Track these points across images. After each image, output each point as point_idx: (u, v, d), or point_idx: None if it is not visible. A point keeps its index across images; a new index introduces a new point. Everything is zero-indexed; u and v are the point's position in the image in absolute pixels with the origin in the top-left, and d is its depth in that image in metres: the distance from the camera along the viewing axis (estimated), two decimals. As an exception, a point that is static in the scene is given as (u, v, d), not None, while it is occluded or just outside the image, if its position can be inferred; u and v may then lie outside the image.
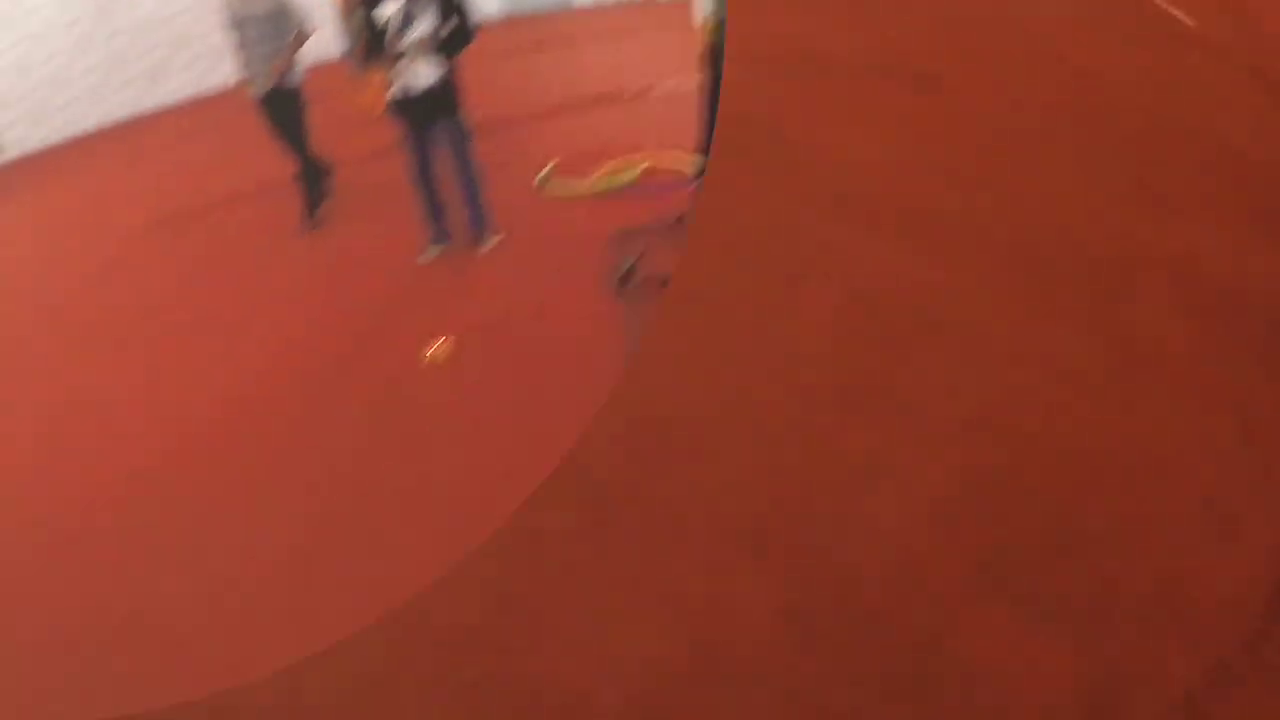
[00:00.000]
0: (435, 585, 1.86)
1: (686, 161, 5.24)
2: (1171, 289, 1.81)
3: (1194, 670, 1.54)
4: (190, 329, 5.02)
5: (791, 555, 1.74)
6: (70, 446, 4.10)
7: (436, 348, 3.93)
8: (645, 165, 5.44)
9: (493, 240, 4.90)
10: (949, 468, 1.70)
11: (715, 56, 4.43)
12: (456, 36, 4.52)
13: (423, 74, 4.50)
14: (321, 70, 6.43)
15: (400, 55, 4.45)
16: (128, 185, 8.53)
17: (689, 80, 5.47)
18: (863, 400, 1.82)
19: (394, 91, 4.54)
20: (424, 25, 4.42)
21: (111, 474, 3.76)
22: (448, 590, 1.86)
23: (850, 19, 2.25)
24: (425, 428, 3.61)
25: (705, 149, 3.62)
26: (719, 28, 4.48)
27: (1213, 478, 1.67)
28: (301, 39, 5.32)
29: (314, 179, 5.76)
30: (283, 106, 5.43)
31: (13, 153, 10.96)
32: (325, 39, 7.27)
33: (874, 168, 2.00)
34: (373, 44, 4.55)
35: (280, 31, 5.26)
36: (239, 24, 5.23)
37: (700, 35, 4.96)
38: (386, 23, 4.42)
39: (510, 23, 10.02)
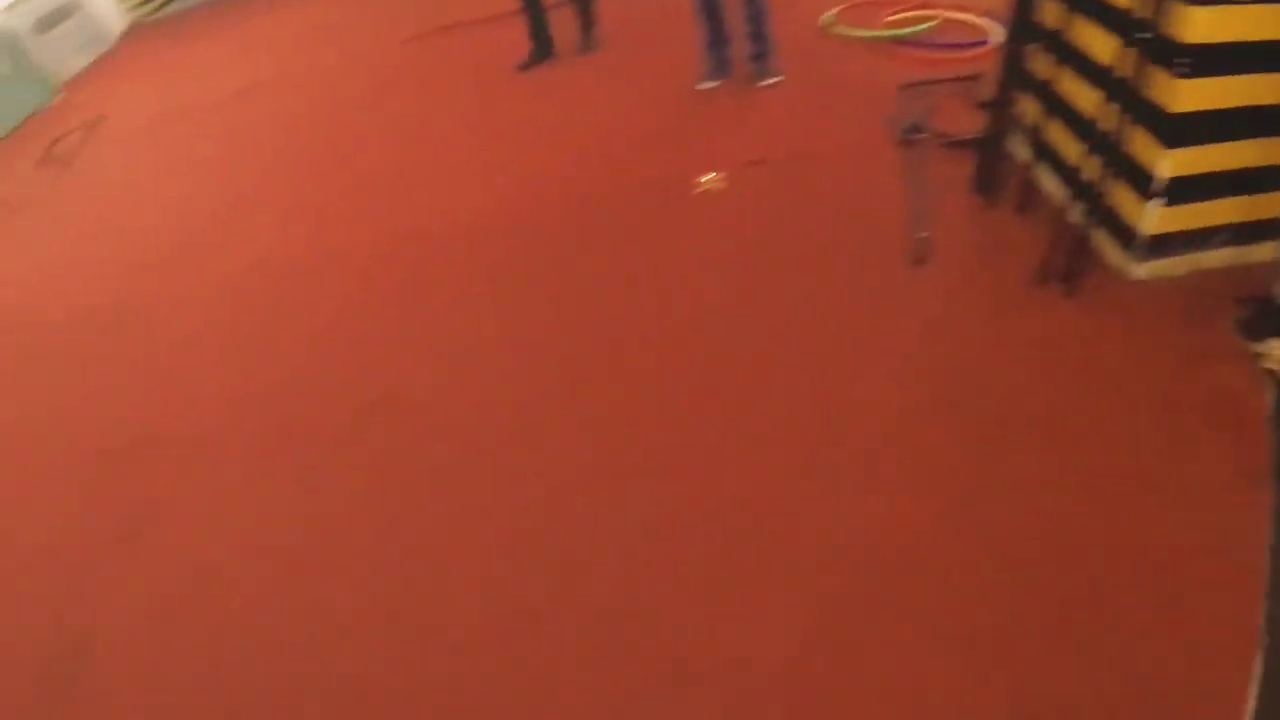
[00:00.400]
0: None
1: (979, 23, 4.99)
2: None
3: None
4: (462, 142, 5.34)
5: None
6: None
7: (711, 179, 4.01)
8: (938, 20, 5.19)
9: (773, 79, 4.85)
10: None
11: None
12: None
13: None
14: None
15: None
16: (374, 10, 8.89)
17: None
18: None
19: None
20: None
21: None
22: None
23: None
24: (691, 251, 3.73)
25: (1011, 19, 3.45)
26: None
27: None
28: None
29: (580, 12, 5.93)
30: None
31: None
32: None
33: None
34: None
35: None
36: None
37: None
38: None
39: None
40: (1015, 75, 3.50)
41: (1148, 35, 2.70)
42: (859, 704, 2.08)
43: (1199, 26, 2.57)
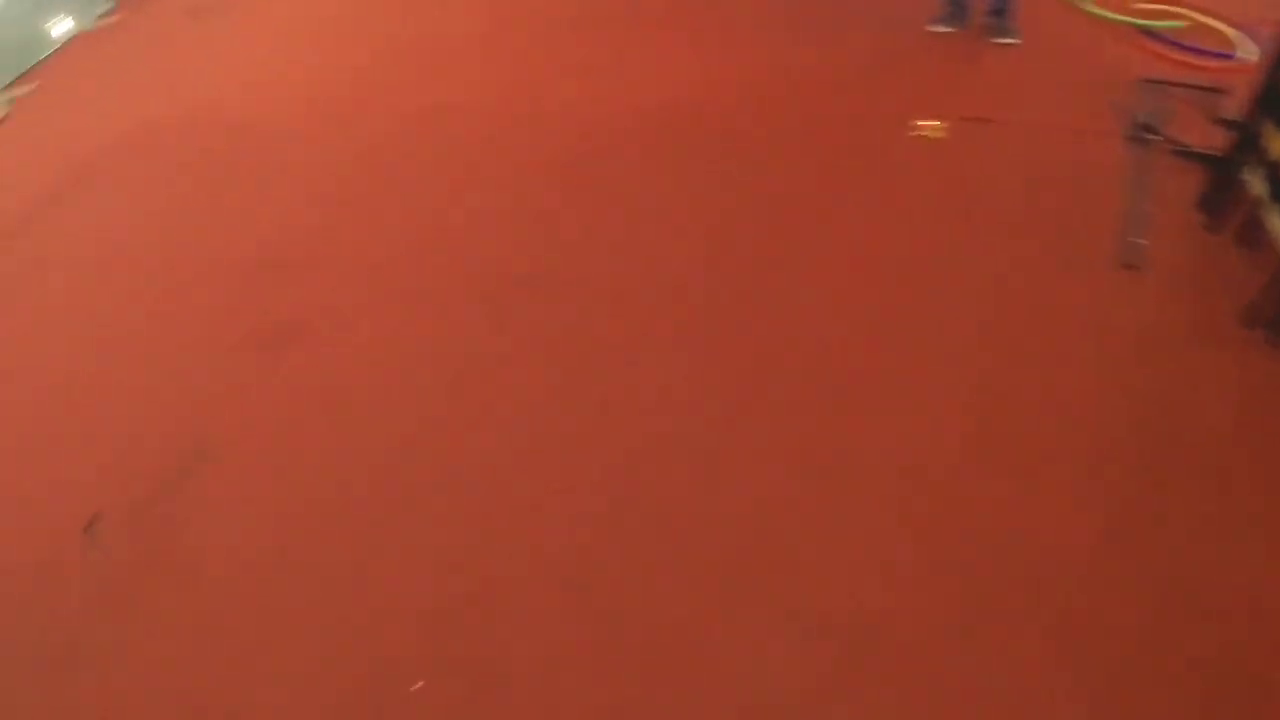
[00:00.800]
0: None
1: (1229, 34, 4.81)
2: None
3: None
4: (664, 36, 5.37)
5: None
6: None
7: (930, 126, 4.01)
8: (1187, 21, 5.00)
9: (1009, 38, 4.76)
10: None
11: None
12: None
13: None
14: None
15: None
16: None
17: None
18: None
19: None
20: None
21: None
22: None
23: None
24: (894, 193, 3.76)
25: None
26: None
27: None
28: None
29: None
30: None
31: None
32: None
33: None
34: None
35: None
36: None
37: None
38: None
39: None
40: (1271, 104, 3.41)
41: None
42: (970, 697, 2.19)
43: None
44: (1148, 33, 4.93)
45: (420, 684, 2.42)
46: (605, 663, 2.38)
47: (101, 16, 7.25)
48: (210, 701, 2.54)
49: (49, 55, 7.24)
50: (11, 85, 7.04)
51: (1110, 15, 5.10)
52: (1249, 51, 4.58)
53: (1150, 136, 3.96)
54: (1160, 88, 4.35)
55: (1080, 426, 2.78)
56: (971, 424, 2.82)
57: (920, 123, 4.08)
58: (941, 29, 4.91)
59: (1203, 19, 4.98)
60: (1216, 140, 3.64)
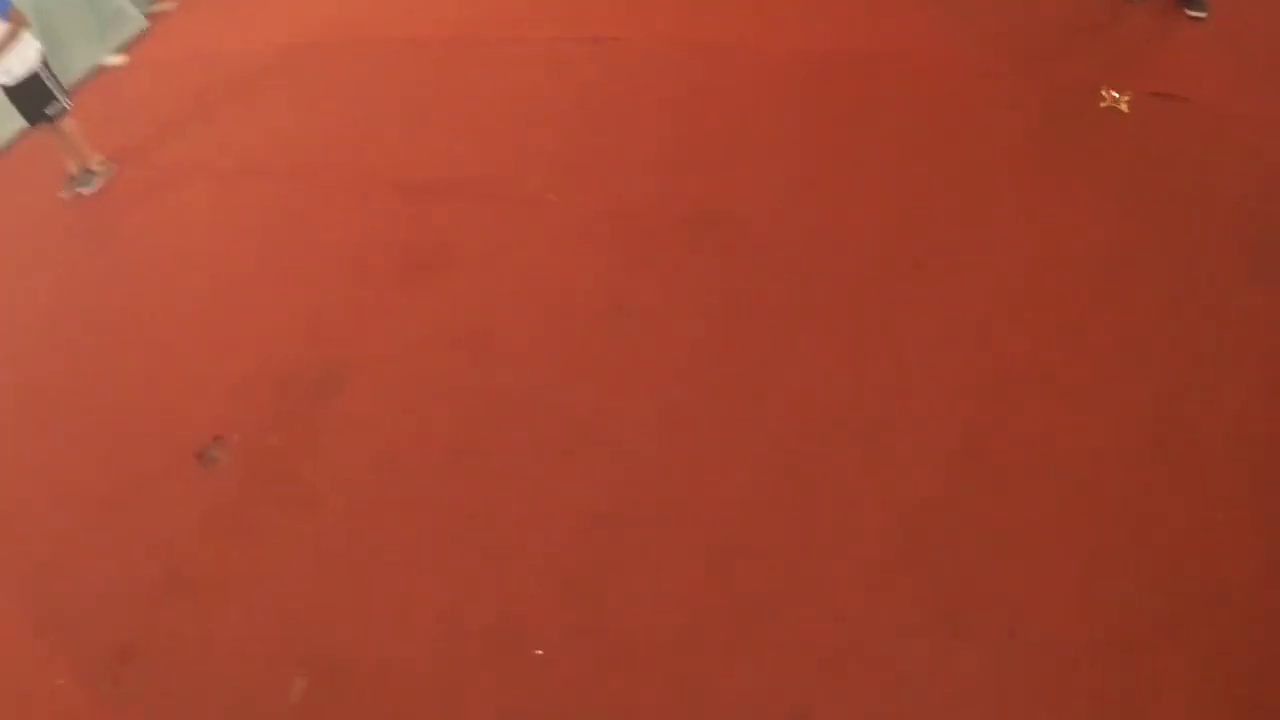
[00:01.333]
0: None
1: None
2: None
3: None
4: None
5: None
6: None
7: (1119, 98, 3.78)
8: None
9: (1200, 13, 4.49)
10: None
11: None
12: None
13: None
14: None
15: None
16: None
17: None
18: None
19: None
20: None
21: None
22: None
23: None
24: (1077, 170, 3.48)
25: None
26: None
27: None
28: None
29: None
30: None
31: None
32: None
33: None
34: None
35: None
36: None
37: None
38: None
39: None
40: None
41: None
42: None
43: None
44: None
45: (539, 652, 2.33)
46: (742, 650, 2.27)
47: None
48: (316, 642, 2.49)
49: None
50: (153, 1, 7.13)
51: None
52: None
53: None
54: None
55: (1255, 446, 2.62)
56: (1148, 435, 2.65)
57: (1112, 94, 3.89)
58: (1134, -3, 4.60)
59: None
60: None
